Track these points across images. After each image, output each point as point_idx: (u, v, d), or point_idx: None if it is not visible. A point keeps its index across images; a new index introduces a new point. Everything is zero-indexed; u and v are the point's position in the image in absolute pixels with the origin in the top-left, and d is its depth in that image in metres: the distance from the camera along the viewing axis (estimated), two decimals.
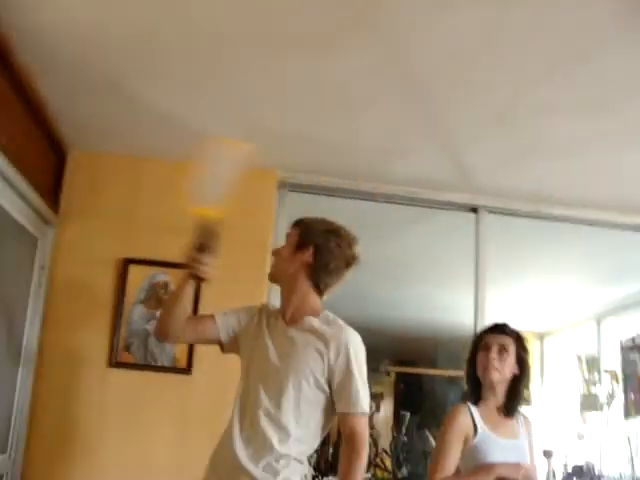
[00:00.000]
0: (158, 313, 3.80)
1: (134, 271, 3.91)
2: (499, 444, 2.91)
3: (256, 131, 3.65)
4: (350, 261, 2.66)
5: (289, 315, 2.63)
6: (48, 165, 3.88)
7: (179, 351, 3.83)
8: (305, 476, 2.58)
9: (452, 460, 2.87)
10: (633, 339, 6.36)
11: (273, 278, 2.78)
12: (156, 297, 3.89)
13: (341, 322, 2.62)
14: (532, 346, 8.27)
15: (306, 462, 2.60)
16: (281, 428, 2.48)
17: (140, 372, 3.84)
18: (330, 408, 2.57)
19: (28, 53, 3.01)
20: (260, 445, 2.46)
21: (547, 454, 5.27)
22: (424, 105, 3.32)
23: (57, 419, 3.77)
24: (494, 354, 2.98)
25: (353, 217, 4.61)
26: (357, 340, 2.59)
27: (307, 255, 2.63)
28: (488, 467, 2.86)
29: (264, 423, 2.47)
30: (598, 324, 7.27)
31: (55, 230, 3.93)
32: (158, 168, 4.07)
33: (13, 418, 3.61)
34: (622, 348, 6.51)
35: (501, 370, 2.98)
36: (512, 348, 3.01)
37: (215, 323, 2.70)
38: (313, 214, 4.31)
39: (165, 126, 3.67)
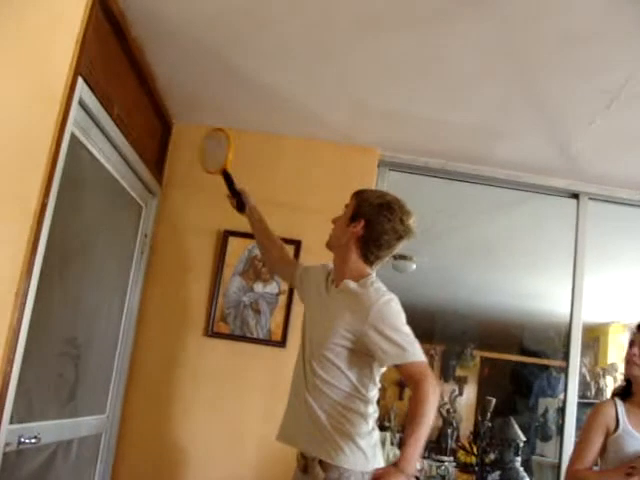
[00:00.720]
0: (256, 285, 3.89)
1: (233, 243, 3.98)
2: (637, 439, 2.97)
3: (359, 109, 3.67)
4: (402, 234, 2.67)
5: (337, 282, 2.72)
6: (155, 136, 3.97)
7: (274, 324, 3.90)
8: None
9: (592, 452, 3.01)
10: None
11: (328, 245, 2.85)
12: (254, 269, 3.95)
13: (378, 286, 2.63)
14: (623, 338, 8.14)
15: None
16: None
17: (235, 342, 3.91)
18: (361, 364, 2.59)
19: (141, 27, 3.08)
20: None
21: None
22: (532, 85, 3.25)
23: (153, 383, 3.88)
24: (636, 350, 3.07)
25: (451, 198, 4.64)
26: (388, 300, 2.57)
27: (359, 228, 2.68)
28: (627, 466, 2.90)
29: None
30: None
31: (158, 200, 4.02)
32: (258, 141, 4.13)
33: (112, 380, 3.74)
34: None
35: None
36: None
37: (295, 270, 3.05)
38: (411, 194, 4.32)
39: (267, 101, 3.71)
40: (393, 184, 4.14)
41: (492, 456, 5.12)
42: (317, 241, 3.92)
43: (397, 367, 2.54)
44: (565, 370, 4.25)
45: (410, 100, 3.52)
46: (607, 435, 3.05)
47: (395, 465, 2.33)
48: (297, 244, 3.95)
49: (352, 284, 2.62)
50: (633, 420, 3.05)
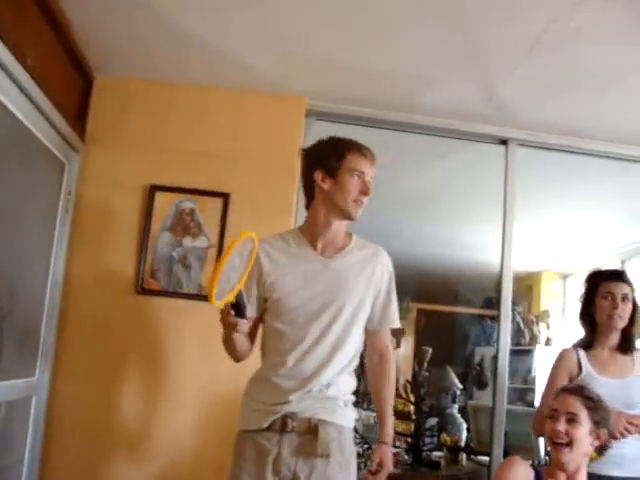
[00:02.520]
0: (185, 240, 3.83)
1: (160, 198, 3.89)
2: (604, 383, 3.10)
3: (286, 57, 3.60)
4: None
5: (322, 246, 2.71)
6: (75, 90, 3.84)
7: (205, 278, 3.84)
8: None
9: None
10: None
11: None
12: (182, 224, 3.88)
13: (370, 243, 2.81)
14: (555, 285, 8.32)
15: None
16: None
17: (166, 298, 3.85)
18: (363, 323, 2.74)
19: None
20: None
21: None
22: (458, 31, 3.22)
23: (84, 344, 3.80)
24: (619, 303, 3.26)
25: (381, 148, 4.59)
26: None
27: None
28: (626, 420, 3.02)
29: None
30: (622, 264, 7.22)
31: (82, 156, 3.90)
32: (186, 94, 4.02)
33: (41, 342, 3.65)
34: None
35: (624, 317, 3.27)
36: (631, 296, 3.30)
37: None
38: None
39: (193, 51, 3.60)
40: (322, 134, 4.07)
41: (429, 404, 5.18)
42: (246, 193, 3.92)
43: (379, 331, 2.78)
44: (497, 318, 4.29)
45: (338, 47, 3.46)
46: (571, 380, 3.20)
47: (385, 443, 2.69)
48: (225, 197, 3.88)
49: (360, 241, 2.77)
50: (595, 364, 3.23)
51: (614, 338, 3.30)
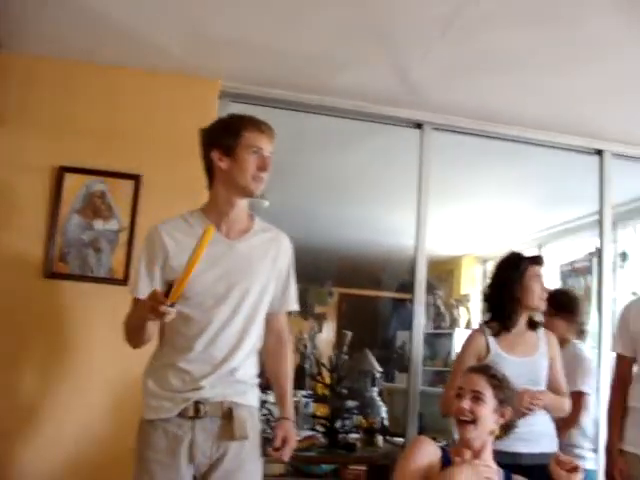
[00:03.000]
0: (95, 223, 3.75)
1: (70, 179, 3.78)
2: (511, 362, 3.17)
3: (197, 37, 3.55)
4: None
5: (226, 227, 2.65)
6: None
7: (116, 262, 3.77)
8: None
9: None
10: (572, 263, 6.47)
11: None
12: (93, 206, 3.79)
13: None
14: (475, 270, 8.44)
15: None
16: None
17: (76, 283, 3.76)
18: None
19: None
20: None
21: None
22: (367, 13, 3.21)
23: None
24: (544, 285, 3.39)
25: (296, 130, 4.59)
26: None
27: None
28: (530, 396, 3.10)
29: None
30: (539, 249, 7.37)
31: None
32: (97, 74, 3.92)
33: None
34: (561, 272, 6.62)
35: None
36: None
37: None
38: None
39: (102, 29, 3.51)
40: None
41: (348, 387, 5.21)
42: (158, 176, 3.86)
43: (277, 314, 2.76)
44: (411, 302, 4.34)
45: (249, 28, 3.42)
46: (479, 360, 3.24)
47: (287, 418, 2.68)
48: (136, 179, 3.81)
49: (263, 224, 2.74)
50: (504, 343, 3.28)
51: (525, 318, 3.36)
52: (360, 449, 4.58)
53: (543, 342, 3.34)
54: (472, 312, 7.98)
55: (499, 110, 4.25)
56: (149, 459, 2.49)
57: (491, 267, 8.46)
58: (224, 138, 2.58)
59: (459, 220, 6.61)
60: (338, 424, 4.71)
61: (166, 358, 2.59)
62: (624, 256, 6.11)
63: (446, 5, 3.08)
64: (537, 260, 3.44)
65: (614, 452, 3.39)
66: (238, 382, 2.57)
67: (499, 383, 2.71)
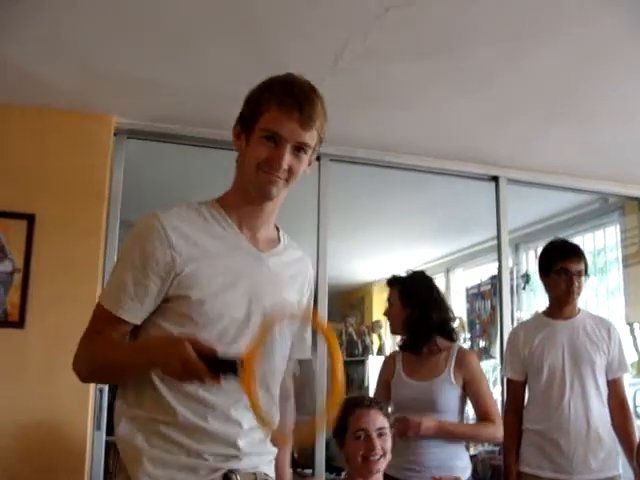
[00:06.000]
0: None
1: None
2: (408, 386, 3.24)
3: (88, 73, 3.51)
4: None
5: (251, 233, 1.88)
6: None
7: (10, 305, 3.65)
8: None
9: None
10: (478, 286, 6.60)
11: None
12: None
13: None
14: (382, 296, 8.51)
15: None
16: None
17: None
18: None
19: None
20: None
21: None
22: (262, 47, 3.24)
23: None
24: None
25: (196, 165, 4.57)
26: None
27: None
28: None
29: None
30: (447, 274, 7.51)
31: None
32: None
33: None
34: (468, 295, 6.75)
35: None
36: None
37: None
38: (154, 162, 4.22)
39: None
40: (133, 153, 4.01)
41: None
42: (53, 215, 3.78)
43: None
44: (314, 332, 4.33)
45: (141, 64, 3.41)
46: (387, 382, 3.36)
47: None
48: (30, 219, 3.72)
49: (288, 237, 2.01)
50: (408, 368, 3.31)
51: (435, 340, 3.33)
52: None
53: (452, 366, 3.23)
54: (384, 338, 8.04)
55: (396, 140, 4.32)
56: None
57: None
58: (246, 107, 1.88)
59: (367, 248, 6.67)
60: None
61: (166, 412, 1.72)
62: (527, 278, 6.28)
63: (336, 39, 3.13)
64: None
65: (512, 474, 3.45)
66: (262, 443, 1.84)
67: (386, 411, 2.81)
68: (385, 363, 3.49)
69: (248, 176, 1.80)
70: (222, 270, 1.76)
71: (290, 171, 1.78)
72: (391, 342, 7.87)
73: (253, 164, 1.77)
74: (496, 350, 5.59)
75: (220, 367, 1.57)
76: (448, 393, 3.20)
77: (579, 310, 3.56)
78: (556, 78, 3.47)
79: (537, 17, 2.93)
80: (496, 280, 5.39)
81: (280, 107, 1.76)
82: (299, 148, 1.79)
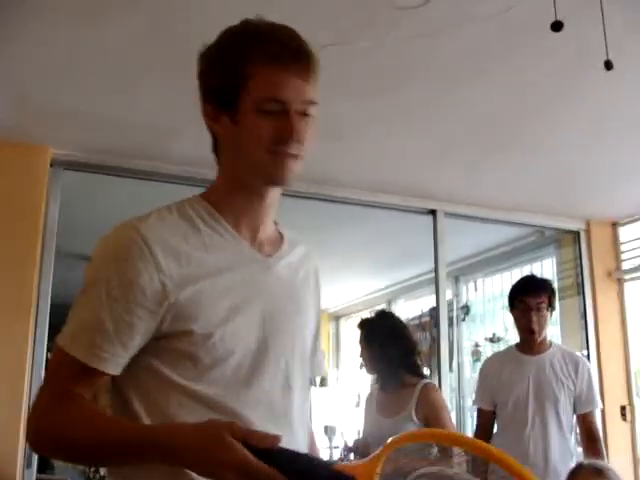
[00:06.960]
0: None
1: None
2: (377, 422, 3.34)
3: (22, 104, 3.46)
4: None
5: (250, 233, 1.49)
6: None
7: None
8: None
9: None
10: (419, 317, 6.65)
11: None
12: None
13: None
14: (327, 327, 8.53)
15: None
16: None
17: None
18: None
19: None
20: None
21: (328, 430, 5.48)
22: (192, 77, 3.22)
23: None
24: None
25: (133, 197, 4.52)
26: None
27: None
28: None
29: None
30: (389, 305, 7.55)
31: None
32: None
33: None
34: (409, 326, 6.78)
35: None
36: None
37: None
38: (90, 194, 4.17)
39: None
40: (69, 184, 3.95)
41: None
42: None
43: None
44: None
45: (77, 96, 3.38)
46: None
47: None
48: None
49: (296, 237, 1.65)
50: (380, 404, 3.42)
51: (403, 377, 3.37)
52: None
53: (414, 402, 3.23)
54: (326, 370, 8.03)
55: (337, 174, 4.36)
56: None
57: (344, 324, 8.60)
58: (215, 77, 1.44)
59: None
60: None
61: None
62: (467, 309, 6.35)
63: None
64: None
65: None
66: None
67: None
68: (367, 399, 3.61)
69: (252, 162, 1.41)
70: (226, 289, 1.36)
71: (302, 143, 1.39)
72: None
73: (261, 146, 1.37)
74: (435, 380, 5.61)
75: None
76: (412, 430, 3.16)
77: (550, 344, 3.64)
78: (491, 115, 3.56)
79: (468, 58, 3.00)
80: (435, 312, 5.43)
81: (271, 63, 1.34)
82: (304, 110, 1.39)
